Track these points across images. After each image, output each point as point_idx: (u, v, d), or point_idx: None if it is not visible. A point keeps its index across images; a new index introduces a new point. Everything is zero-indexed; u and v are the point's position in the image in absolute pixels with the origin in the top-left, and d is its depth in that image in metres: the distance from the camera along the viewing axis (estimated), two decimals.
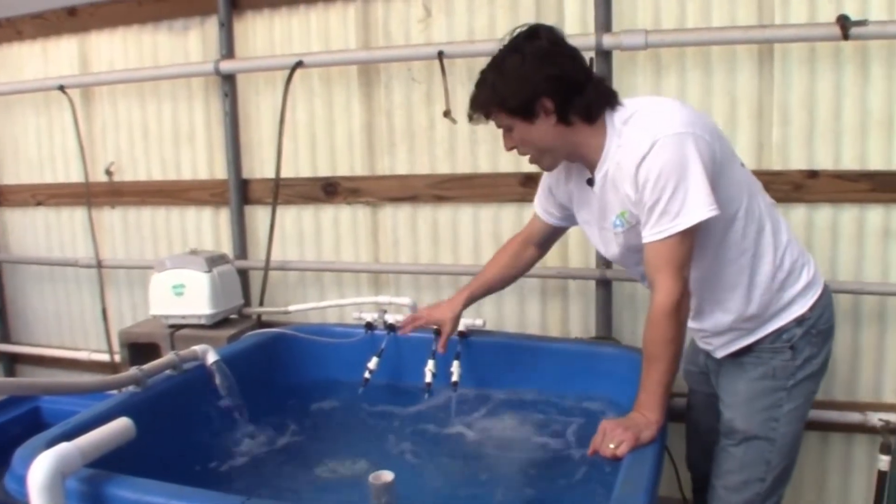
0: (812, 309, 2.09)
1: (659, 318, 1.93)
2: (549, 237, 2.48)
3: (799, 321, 2.08)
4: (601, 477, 1.97)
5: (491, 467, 2.25)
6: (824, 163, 2.79)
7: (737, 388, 2.14)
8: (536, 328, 3.25)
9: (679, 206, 1.87)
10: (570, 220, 2.34)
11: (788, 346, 2.08)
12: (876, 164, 2.74)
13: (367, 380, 2.66)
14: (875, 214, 2.77)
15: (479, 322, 2.75)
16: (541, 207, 2.40)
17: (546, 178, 2.32)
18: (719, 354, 2.18)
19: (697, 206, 1.86)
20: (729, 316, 2.09)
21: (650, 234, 1.92)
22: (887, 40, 2.65)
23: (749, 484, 2.12)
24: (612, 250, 2.17)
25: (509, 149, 2.08)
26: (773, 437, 2.09)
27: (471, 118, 2.07)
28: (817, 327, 2.11)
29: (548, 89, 1.96)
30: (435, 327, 2.54)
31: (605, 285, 3.06)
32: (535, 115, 1.98)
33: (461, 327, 2.72)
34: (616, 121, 2.00)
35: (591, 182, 2.08)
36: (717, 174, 1.92)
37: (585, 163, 2.08)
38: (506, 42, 2.01)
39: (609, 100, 2.02)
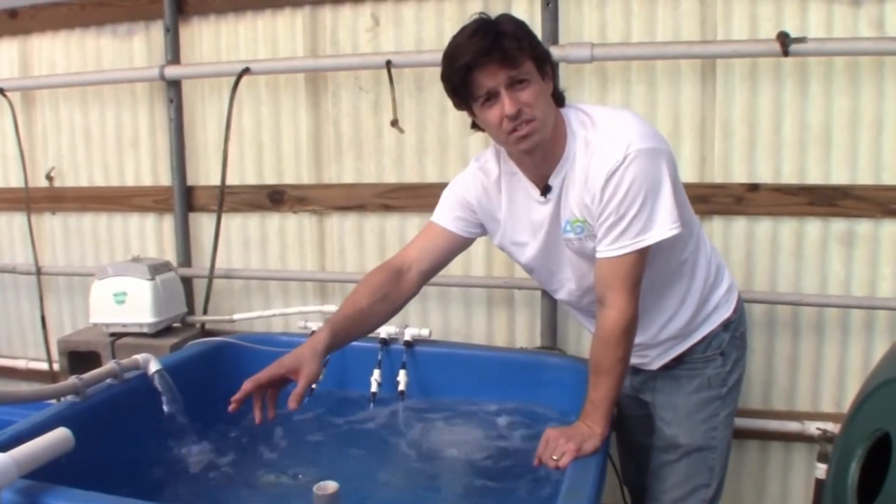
0: (735, 311, 2.16)
1: (612, 337, 1.92)
2: (444, 257, 2.18)
3: (725, 325, 2.14)
4: (546, 486, 1.99)
5: (437, 477, 2.25)
6: (765, 176, 2.85)
7: (675, 404, 2.16)
8: (482, 338, 3.26)
9: (644, 222, 1.85)
10: (475, 235, 2.18)
11: (719, 353, 2.14)
12: (814, 178, 2.80)
13: (312, 389, 2.64)
14: (813, 227, 2.83)
15: (424, 332, 2.75)
16: (450, 215, 2.15)
17: (455, 190, 2.16)
18: (655, 366, 2.19)
19: (662, 224, 1.85)
20: (662, 325, 2.12)
21: (608, 250, 1.89)
22: (825, 57, 2.71)
23: (696, 491, 2.15)
24: (556, 269, 2.12)
25: (514, 110, 1.80)
26: (714, 445, 2.14)
27: (477, 61, 1.79)
28: (739, 329, 2.18)
29: (547, 54, 1.94)
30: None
31: (550, 296, 3.07)
32: (547, 74, 1.90)
33: (407, 336, 2.71)
34: (573, 121, 1.95)
35: (546, 190, 1.99)
36: (675, 188, 1.91)
37: (546, 161, 1.96)
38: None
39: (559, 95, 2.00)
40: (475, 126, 2.01)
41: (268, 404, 1.98)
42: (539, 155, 1.93)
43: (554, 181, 1.97)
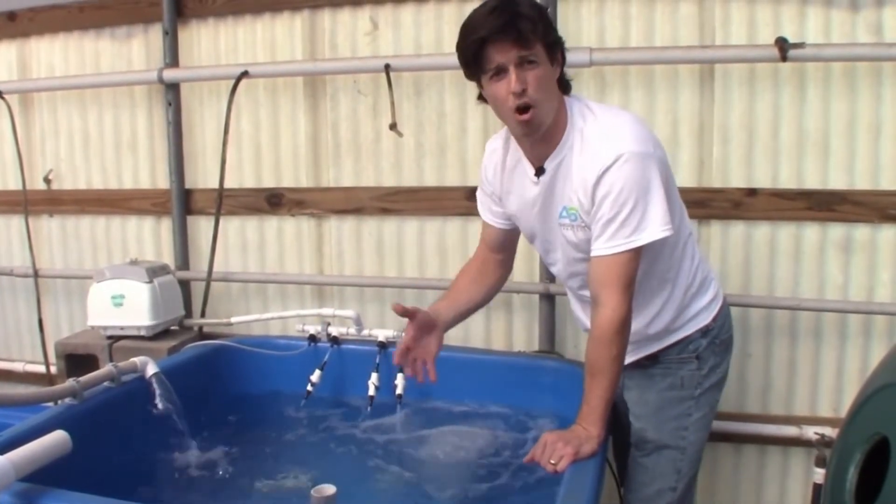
0: (715, 319, 2.18)
1: (606, 336, 1.94)
2: (508, 242, 2.33)
3: (703, 332, 2.16)
4: (544, 489, 1.98)
5: (434, 480, 2.24)
6: (763, 181, 2.85)
7: (647, 399, 2.19)
8: (480, 341, 3.26)
9: (637, 222, 1.89)
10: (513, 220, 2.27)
11: (694, 357, 2.15)
12: (812, 182, 2.80)
13: (309, 392, 2.65)
14: (811, 232, 2.83)
15: None
16: (488, 213, 2.29)
17: (481, 177, 2.26)
18: (625, 361, 2.19)
19: (655, 224, 1.89)
20: (640, 328, 2.13)
21: (603, 248, 1.92)
22: (823, 63, 2.72)
23: (662, 493, 2.17)
24: (551, 248, 2.16)
25: (519, 88, 1.86)
26: (683, 446, 2.15)
27: (489, 39, 1.84)
28: (720, 337, 2.19)
29: (559, 40, 1.98)
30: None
31: (548, 299, 3.08)
32: (556, 60, 1.95)
33: None
34: (575, 111, 2.00)
35: (540, 171, 2.03)
36: (667, 193, 1.94)
37: (544, 144, 2.01)
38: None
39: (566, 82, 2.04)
40: (481, 98, 2.05)
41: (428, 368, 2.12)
42: (537, 136, 1.98)
43: (549, 165, 2.02)
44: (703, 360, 2.16)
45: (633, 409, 2.22)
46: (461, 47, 1.93)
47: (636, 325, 2.11)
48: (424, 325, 2.11)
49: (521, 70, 1.87)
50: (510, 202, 2.18)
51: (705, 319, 2.16)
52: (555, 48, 1.94)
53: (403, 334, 2.12)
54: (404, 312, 2.05)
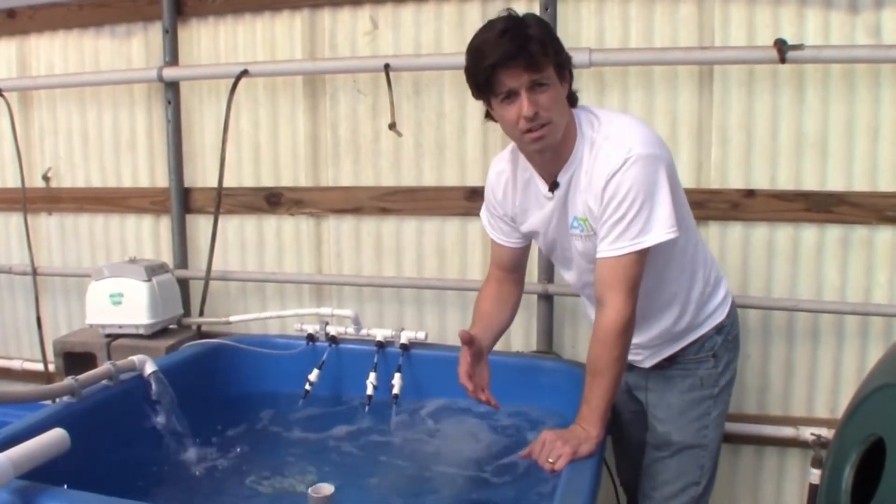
0: (728, 316, 2.21)
1: (609, 337, 1.95)
2: (520, 259, 2.33)
3: (718, 329, 2.19)
4: (542, 489, 1.99)
5: (432, 480, 2.25)
6: (761, 182, 2.86)
7: (669, 402, 2.21)
8: None
9: (642, 224, 1.89)
10: (527, 237, 2.27)
11: (711, 355, 2.18)
12: (810, 184, 2.81)
13: (307, 392, 2.65)
14: (809, 233, 2.84)
15: (420, 335, 2.74)
16: (498, 232, 2.28)
17: (488, 201, 2.26)
18: (647, 364, 2.23)
19: (660, 227, 1.90)
20: (661, 330, 2.15)
21: (608, 250, 1.93)
22: (822, 64, 2.72)
23: (686, 489, 2.20)
24: (570, 257, 2.16)
25: (531, 112, 1.85)
26: (705, 444, 2.19)
27: (503, 64, 1.83)
28: (732, 333, 2.23)
29: (568, 58, 1.97)
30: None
31: (546, 300, 3.08)
32: (565, 77, 1.94)
33: (403, 339, 2.72)
34: (583, 121, 2.00)
35: (554, 186, 2.04)
36: (673, 195, 1.94)
37: (556, 159, 2.01)
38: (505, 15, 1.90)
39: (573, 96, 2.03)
40: (489, 116, 2.04)
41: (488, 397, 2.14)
42: (549, 154, 1.98)
43: (562, 178, 2.03)
44: (718, 358, 2.19)
45: (655, 412, 2.25)
46: (472, 72, 1.92)
47: (663, 324, 2.15)
48: (477, 353, 2.13)
49: (533, 94, 1.86)
50: (527, 220, 2.18)
51: (721, 316, 2.19)
52: (564, 66, 1.93)
53: (461, 360, 2.12)
54: (469, 340, 2.07)
